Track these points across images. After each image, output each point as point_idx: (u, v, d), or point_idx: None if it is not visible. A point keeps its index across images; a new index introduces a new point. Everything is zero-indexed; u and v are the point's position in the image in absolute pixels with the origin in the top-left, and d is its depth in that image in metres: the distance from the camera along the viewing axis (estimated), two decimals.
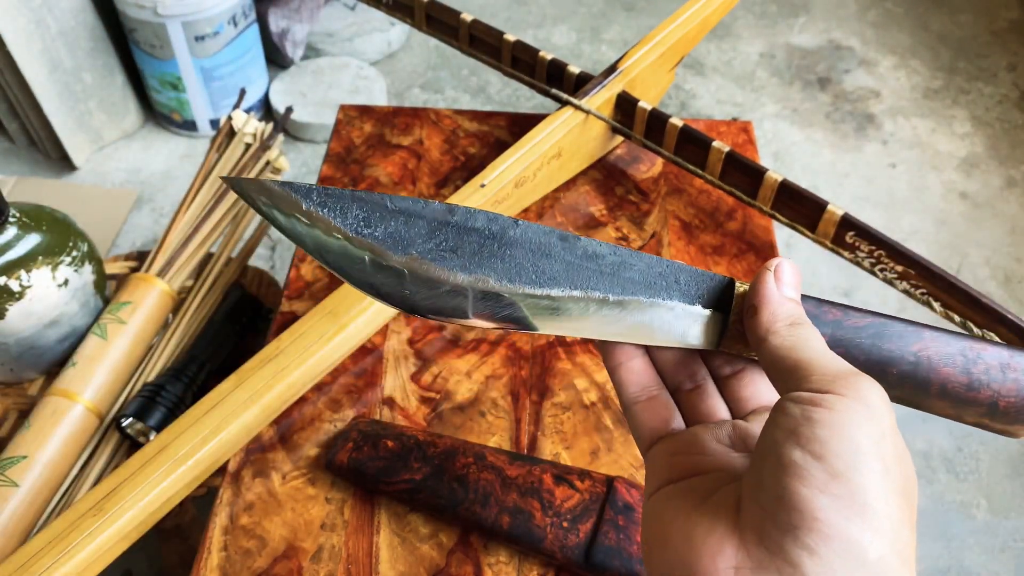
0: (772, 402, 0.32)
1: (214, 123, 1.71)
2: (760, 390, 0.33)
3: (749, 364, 0.33)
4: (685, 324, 0.31)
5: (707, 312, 0.31)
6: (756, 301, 0.30)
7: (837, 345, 0.30)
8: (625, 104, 0.69)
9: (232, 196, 0.76)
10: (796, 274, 0.31)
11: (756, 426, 0.31)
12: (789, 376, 0.27)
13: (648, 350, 0.34)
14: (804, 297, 0.31)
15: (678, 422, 0.33)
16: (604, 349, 0.34)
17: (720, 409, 0.33)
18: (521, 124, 0.80)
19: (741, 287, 0.31)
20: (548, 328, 0.31)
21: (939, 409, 0.31)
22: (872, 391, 0.25)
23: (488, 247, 0.30)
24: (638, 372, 0.33)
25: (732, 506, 0.27)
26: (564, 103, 0.67)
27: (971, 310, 0.57)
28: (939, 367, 0.30)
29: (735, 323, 0.31)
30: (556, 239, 0.31)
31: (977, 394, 0.30)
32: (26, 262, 0.61)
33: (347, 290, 0.55)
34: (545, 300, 0.30)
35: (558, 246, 0.31)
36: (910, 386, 0.30)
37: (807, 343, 0.28)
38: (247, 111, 1.24)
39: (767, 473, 0.25)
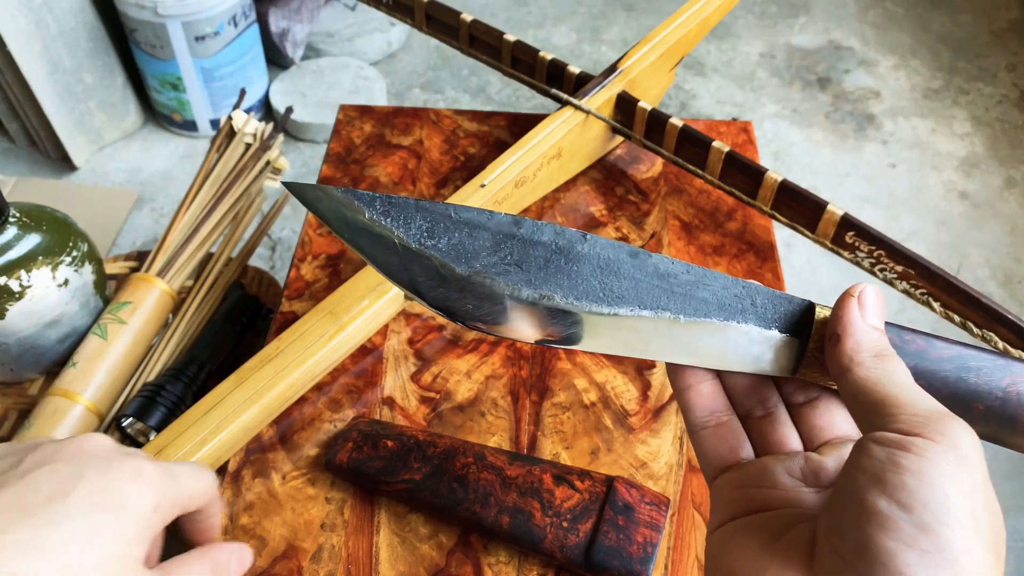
0: (847, 434, 0.31)
1: (214, 123, 1.71)
2: (835, 420, 0.31)
3: (824, 392, 0.32)
4: (760, 349, 0.30)
5: (784, 337, 0.30)
6: (839, 329, 0.28)
7: (920, 377, 0.28)
8: (625, 104, 0.69)
9: (232, 196, 0.76)
10: (880, 301, 0.29)
11: (830, 460, 0.30)
12: (874, 412, 0.26)
13: (719, 373, 0.32)
14: (886, 325, 0.29)
15: (747, 451, 0.32)
16: (672, 370, 0.33)
17: (792, 438, 0.31)
18: (521, 124, 0.80)
19: (821, 311, 0.29)
20: (614, 349, 0.29)
21: None
22: (965, 437, 0.23)
23: (554, 262, 0.29)
24: (707, 396, 0.32)
25: (805, 550, 0.25)
26: (564, 103, 0.67)
27: (971, 310, 0.57)
28: None
29: (814, 350, 0.29)
30: (626, 255, 0.29)
31: None
32: (26, 262, 0.61)
33: (347, 290, 0.55)
34: (612, 320, 0.29)
35: (627, 263, 0.29)
36: (996, 423, 0.29)
37: (893, 377, 0.26)
38: (247, 111, 1.24)
39: (848, 520, 0.24)
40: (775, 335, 0.30)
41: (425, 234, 0.29)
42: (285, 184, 0.31)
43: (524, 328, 0.29)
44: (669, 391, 0.58)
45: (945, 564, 0.22)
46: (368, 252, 0.29)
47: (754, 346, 0.30)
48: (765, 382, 0.32)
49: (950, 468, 0.23)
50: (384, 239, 0.29)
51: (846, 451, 0.30)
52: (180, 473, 0.31)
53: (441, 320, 0.62)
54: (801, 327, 0.30)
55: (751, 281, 0.30)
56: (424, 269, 0.29)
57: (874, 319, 0.29)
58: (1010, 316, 0.55)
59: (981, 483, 0.23)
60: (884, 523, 0.22)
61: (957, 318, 0.58)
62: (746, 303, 0.30)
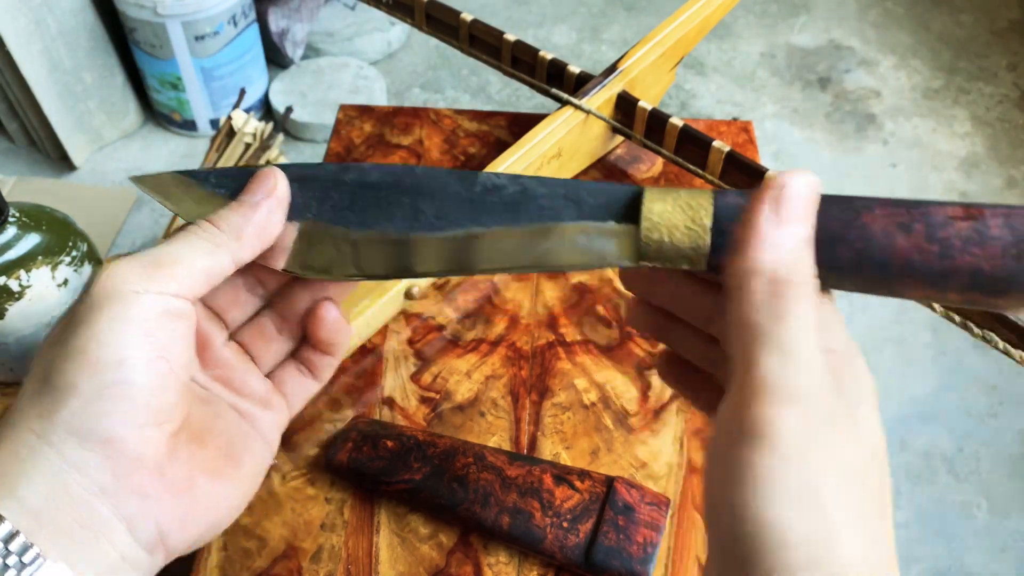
0: None
1: (214, 123, 1.71)
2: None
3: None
4: (601, 243, 0.28)
5: (622, 226, 0.28)
6: (741, 236, 0.23)
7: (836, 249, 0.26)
8: (625, 104, 0.69)
9: None
10: (809, 197, 0.23)
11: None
12: (735, 374, 0.22)
13: (656, 291, 0.32)
14: (731, 194, 0.26)
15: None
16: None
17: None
18: (521, 124, 0.80)
19: (650, 194, 0.28)
20: (463, 271, 0.30)
21: (914, 292, 0.26)
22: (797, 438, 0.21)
23: (386, 198, 0.30)
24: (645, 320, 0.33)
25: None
26: (564, 103, 0.67)
27: (971, 310, 0.57)
28: (897, 241, 0.25)
29: (647, 237, 0.28)
30: (454, 178, 0.30)
31: (954, 262, 0.24)
32: (26, 262, 0.61)
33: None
34: (450, 241, 0.29)
35: (456, 184, 0.30)
36: (869, 267, 0.25)
37: (777, 328, 0.22)
38: (247, 111, 1.24)
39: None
40: (611, 226, 0.29)
41: None
42: (133, 179, 0.31)
43: (366, 267, 0.30)
44: (669, 391, 0.58)
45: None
46: None
47: (595, 241, 0.29)
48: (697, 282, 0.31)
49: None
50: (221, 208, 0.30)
51: None
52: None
53: (441, 320, 0.62)
54: (637, 212, 0.28)
55: (579, 180, 0.30)
56: None
57: (793, 226, 0.23)
58: (1010, 316, 0.55)
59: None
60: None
61: (957, 318, 0.58)
62: (575, 200, 0.29)
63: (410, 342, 0.61)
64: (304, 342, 0.33)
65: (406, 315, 0.62)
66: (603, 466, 0.53)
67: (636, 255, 0.28)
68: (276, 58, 1.84)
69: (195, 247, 0.27)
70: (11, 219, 0.61)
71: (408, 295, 0.57)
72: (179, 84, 1.63)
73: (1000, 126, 1.82)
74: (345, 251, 0.30)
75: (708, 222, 0.26)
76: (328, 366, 0.33)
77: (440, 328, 0.61)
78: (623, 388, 0.58)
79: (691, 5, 0.75)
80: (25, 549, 0.23)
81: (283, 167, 0.30)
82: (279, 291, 0.32)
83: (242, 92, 0.85)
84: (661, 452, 0.54)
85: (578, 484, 0.49)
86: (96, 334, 0.24)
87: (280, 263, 0.30)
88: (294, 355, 0.33)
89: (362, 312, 0.54)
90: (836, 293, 0.28)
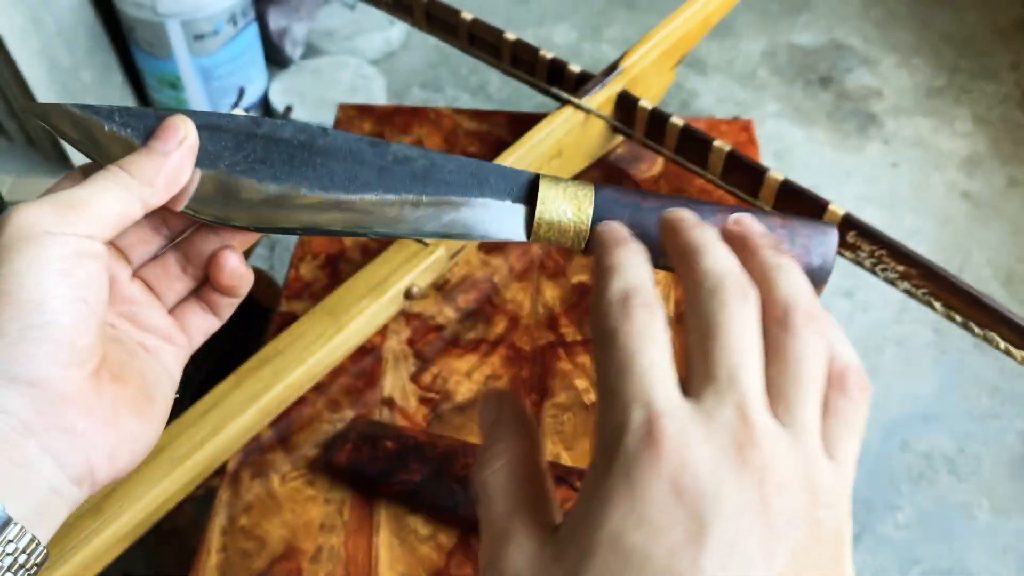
0: None
1: None
2: None
3: None
4: (502, 219, 0.31)
5: (519, 206, 0.31)
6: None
7: (635, 227, 0.30)
8: (626, 103, 0.68)
9: None
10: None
11: None
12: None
13: None
14: (605, 188, 0.31)
15: None
16: None
17: None
18: (521, 123, 0.80)
19: (545, 181, 0.31)
20: (371, 232, 0.31)
21: None
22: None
23: (299, 156, 0.30)
24: None
25: None
26: (564, 102, 0.67)
27: (973, 310, 0.57)
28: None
29: (540, 218, 0.31)
30: (366, 145, 0.31)
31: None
32: None
33: (346, 290, 0.55)
34: (360, 205, 0.31)
35: (368, 152, 0.31)
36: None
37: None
38: (246, 110, 1.24)
39: None
40: (510, 205, 0.31)
41: None
42: (27, 107, 0.31)
43: (278, 223, 0.30)
44: None
45: None
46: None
47: (496, 218, 0.31)
48: None
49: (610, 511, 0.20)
50: (128, 149, 0.30)
51: None
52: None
53: (441, 320, 0.61)
54: (534, 196, 0.31)
55: (485, 162, 0.32)
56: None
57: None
58: (1012, 316, 0.55)
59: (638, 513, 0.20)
60: None
61: (959, 318, 0.58)
62: (481, 179, 0.31)
63: (410, 342, 0.60)
64: (206, 282, 0.33)
65: (406, 315, 0.62)
66: None
67: (528, 231, 0.32)
68: (275, 57, 1.83)
69: (107, 191, 0.28)
70: None
71: (408, 295, 0.57)
72: (178, 83, 1.63)
73: (1002, 125, 1.82)
74: (250, 202, 0.30)
75: (590, 211, 0.31)
76: (229, 305, 0.34)
77: (440, 328, 0.61)
78: None
79: (692, 4, 0.75)
80: None
81: (192, 115, 0.30)
82: (185, 234, 0.33)
83: (241, 91, 0.85)
84: None
85: (578, 485, 0.48)
86: (15, 275, 0.25)
87: (180, 205, 0.30)
88: (196, 293, 0.34)
89: (362, 312, 0.54)
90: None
